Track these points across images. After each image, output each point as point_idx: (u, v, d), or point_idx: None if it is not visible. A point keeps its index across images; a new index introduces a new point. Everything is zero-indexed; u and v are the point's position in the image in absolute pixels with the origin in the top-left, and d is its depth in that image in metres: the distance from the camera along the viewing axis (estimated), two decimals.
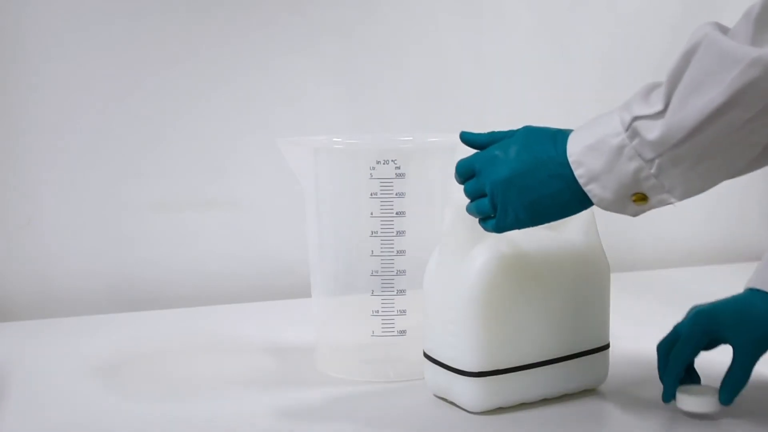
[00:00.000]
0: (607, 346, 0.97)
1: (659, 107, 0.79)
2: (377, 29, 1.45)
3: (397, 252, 1.00)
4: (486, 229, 0.88)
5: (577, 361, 0.95)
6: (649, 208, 0.83)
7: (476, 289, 0.89)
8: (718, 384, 0.90)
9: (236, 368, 1.07)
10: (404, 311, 1.01)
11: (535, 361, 0.92)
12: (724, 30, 0.78)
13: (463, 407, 0.92)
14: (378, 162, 0.99)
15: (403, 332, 1.01)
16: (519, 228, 0.87)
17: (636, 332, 1.20)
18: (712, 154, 0.79)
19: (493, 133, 0.90)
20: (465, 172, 0.89)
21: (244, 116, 1.40)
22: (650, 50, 1.57)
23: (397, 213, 0.99)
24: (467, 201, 0.90)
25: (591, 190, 0.82)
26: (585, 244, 0.95)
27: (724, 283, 1.51)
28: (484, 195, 0.87)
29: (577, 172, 0.82)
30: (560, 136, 0.84)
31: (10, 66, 1.30)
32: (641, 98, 0.81)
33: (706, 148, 0.78)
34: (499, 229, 0.87)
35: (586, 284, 0.95)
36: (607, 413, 0.93)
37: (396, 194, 0.99)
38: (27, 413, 0.94)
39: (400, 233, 1.00)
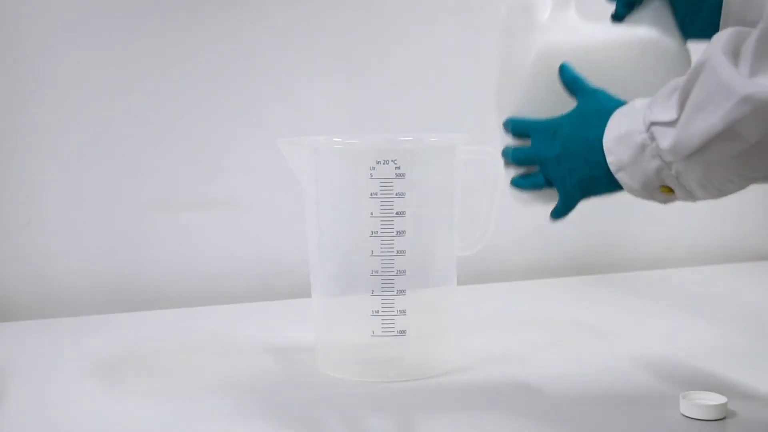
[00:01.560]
0: None
1: (674, 115, 0.79)
2: (378, 29, 1.45)
3: (397, 252, 1.00)
4: (551, 215, 0.94)
5: None
6: (678, 200, 0.84)
7: (533, 77, 0.94)
8: (723, 391, 0.90)
9: (236, 368, 1.07)
10: (404, 311, 1.01)
11: None
12: (737, 44, 0.75)
13: None
14: (378, 162, 0.99)
15: (403, 332, 1.01)
16: (573, 204, 0.92)
17: (636, 332, 1.20)
18: (723, 167, 0.78)
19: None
20: (519, 133, 0.95)
21: (244, 116, 1.40)
22: None
23: (397, 213, 0.99)
24: None
25: (621, 177, 0.85)
26: (656, 39, 0.95)
27: (724, 283, 1.52)
28: (532, 167, 0.93)
29: (609, 159, 0.85)
30: (608, 117, 0.87)
31: (10, 66, 1.30)
32: (663, 99, 0.81)
33: (716, 163, 0.78)
34: (560, 209, 0.93)
35: (656, 75, 0.93)
36: (607, 415, 0.93)
37: (396, 194, 0.99)
38: (27, 413, 0.94)
39: (400, 233, 1.00)
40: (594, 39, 0.96)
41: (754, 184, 0.81)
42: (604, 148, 0.85)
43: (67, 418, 0.93)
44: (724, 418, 0.89)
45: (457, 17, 1.49)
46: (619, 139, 0.83)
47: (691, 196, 0.82)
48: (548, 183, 0.93)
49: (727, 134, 0.74)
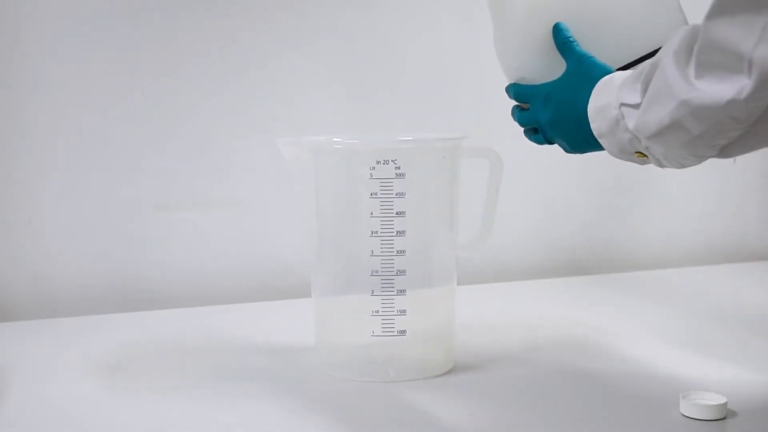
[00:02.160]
0: None
1: (638, 99, 0.86)
2: (377, 29, 1.45)
3: (397, 252, 1.00)
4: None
5: None
6: (653, 164, 0.91)
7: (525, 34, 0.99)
8: (723, 391, 0.91)
9: (236, 368, 1.07)
10: (404, 311, 1.01)
11: None
12: (691, 43, 0.82)
13: None
14: (378, 162, 0.99)
15: (403, 332, 1.01)
16: (574, 153, 1.00)
17: (636, 332, 1.20)
18: (678, 149, 0.85)
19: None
20: (521, 99, 1.02)
21: (244, 116, 1.40)
22: None
23: (397, 213, 0.99)
24: None
25: (602, 143, 0.92)
26: None
27: (724, 283, 1.52)
28: (536, 129, 1.01)
29: (592, 126, 0.92)
30: (593, 86, 0.93)
31: (10, 66, 1.30)
32: (632, 81, 0.88)
33: (671, 145, 0.85)
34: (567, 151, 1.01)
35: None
36: (607, 415, 0.93)
37: (396, 194, 0.99)
38: (27, 413, 0.94)
39: (400, 233, 1.00)
40: None
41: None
42: (589, 116, 0.92)
43: (67, 418, 0.93)
44: (724, 418, 0.89)
45: (457, 17, 1.49)
46: (598, 110, 0.90)
47: (660, 164, 0.90)
48: (549, 141, 1.00)
49: (674, 127, 0.83)
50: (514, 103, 1.04)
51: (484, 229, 1.07)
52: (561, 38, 0.98)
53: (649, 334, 1.20)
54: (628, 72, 0.90)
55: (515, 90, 1.02)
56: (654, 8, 0.99)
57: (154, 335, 1.21)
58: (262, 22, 1.39)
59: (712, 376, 1.02)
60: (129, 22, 1.34)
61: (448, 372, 1.04)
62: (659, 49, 0.95)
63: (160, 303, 1.37)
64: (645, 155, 0.89)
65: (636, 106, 0.86)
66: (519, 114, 1.03)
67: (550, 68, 0.98)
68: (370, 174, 0.99)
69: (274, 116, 1.41)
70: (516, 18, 1.00)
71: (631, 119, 0.87)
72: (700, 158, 0.87)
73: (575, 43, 0.97)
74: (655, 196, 1.64)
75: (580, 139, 0.95)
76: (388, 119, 1.47)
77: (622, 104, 0.87)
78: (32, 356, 1.13)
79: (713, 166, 0.88)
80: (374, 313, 1.01)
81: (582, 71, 0.95)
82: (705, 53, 0.79)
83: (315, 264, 1.05)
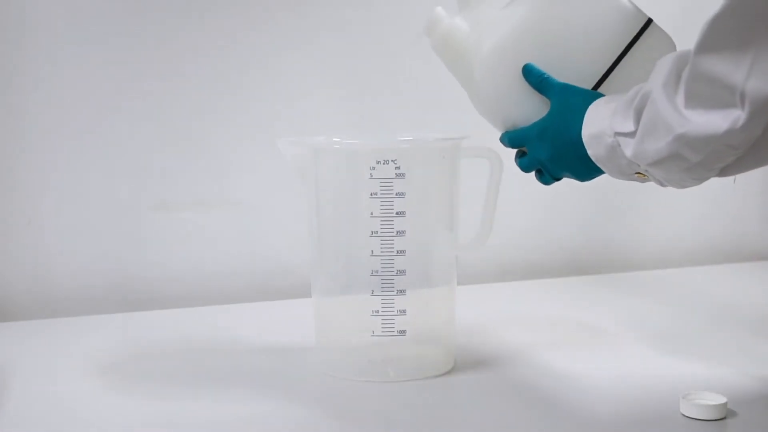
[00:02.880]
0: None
1: (632, 128, 0.87)
2: (378, 29, 1.45)
3: (397, 252, 1.00)
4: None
5: None
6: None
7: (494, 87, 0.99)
8: (723, 391, 0.91)
9: (236, 368, 1.07)
10: (404, 311, 1.01)
11: None
12: (679, 71, 0.84)
13: None
14: (378, 162, 0.99)
15: (403, 332, 1.01)
16: (583, 182, 0.99)
17: (636, 332, 1.20)
18: (678, 174, 0.87)
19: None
20: (516, 144, 1.00)
21: (244, 116, 1.40)
22: None
23: (397, 213, 1.00)
24: None
25: (601, 167, 0.93)
26: None
27: (724, 283, 1.52)
28: (539, 170, 1.00)
29: (589, 152, 0.92)
30: (582, 114, 0.93)
31: (11, 66, 1.30)
32: (624, 109, 0.89)
33: (671, 171, 0.86)
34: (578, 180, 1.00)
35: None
36: (608, 415, 0.93)
37: (396, 194, 0.99)
38: (27, 413, 0.94)
39: (400, 233, 1.00)
40: (524, 20, 0.98)
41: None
42: (584, 142, 0.92)
43: (67, 418, 0.93)
44: (724, 418, 0.89)
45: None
46: (593, 136, 0.91)
47: (661, 184, 0.91)
48: (556, 178, 1.00)
49: (673, 157, 0.85)
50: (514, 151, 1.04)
51: (484, 229, 1.07)
52: (535, 77, 0.97)
53: (649, 334, 1.20)
54: (616, 97, 0.91)
55: (508, 137, 1.01)
56: (605, 15, 0.98)
57: (154, 335, 1.21)
58: (262, 22, 1.39)
59: (712, 376, 1.02)
60: (129, 22, 1.34)
61: (448, 372, 1.04)
62: (627, 50, 0.97)
63: (160, 303, 1.37)
64: (645, 175, 0.90)
65: (631, 135, 0.87)
66: (520, 160, 1.02)
67: (534, 108, 0.98)
68: (370, 174, 0.99)
69: (274, 116, 1.41)
70: (484, 74, 0.99)
71: (628, 147, 0.88)
72: (701, 180, 0.88)
73: (550, 77, 0.97)
74: (655, 196, 1.63)
75: (582, 167, 0.95)
76: (388, 119, 1.47)
77: (617, 133, 0.89)
78: (32, 356, 1.13)
79: None
80: (374, 313, 1.01)
81: (567, 101, 0.95)
82: (695, 85, 0.81)
83: (315, 264, 1.05)
